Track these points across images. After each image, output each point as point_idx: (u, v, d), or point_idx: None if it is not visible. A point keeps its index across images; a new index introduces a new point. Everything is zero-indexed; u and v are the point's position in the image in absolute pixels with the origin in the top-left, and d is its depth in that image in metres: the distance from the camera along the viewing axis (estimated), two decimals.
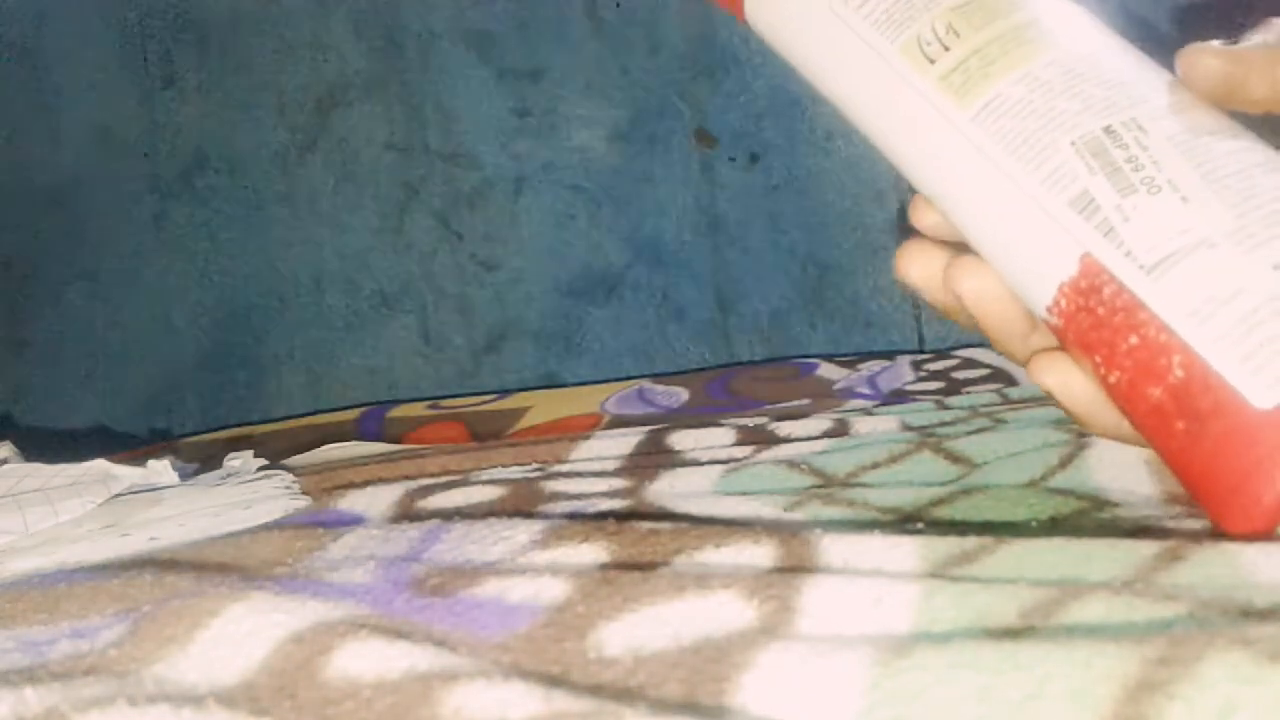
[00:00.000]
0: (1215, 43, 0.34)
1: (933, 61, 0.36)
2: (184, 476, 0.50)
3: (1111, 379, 0.32)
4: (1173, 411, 0.31)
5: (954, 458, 0.45)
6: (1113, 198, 0.32)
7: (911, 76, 0.36)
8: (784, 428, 0.55)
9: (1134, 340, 0.31)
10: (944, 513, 0.38)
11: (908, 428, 0.53)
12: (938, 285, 0.37)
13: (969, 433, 0.49)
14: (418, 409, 0.87)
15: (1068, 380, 0.34)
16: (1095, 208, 0.32)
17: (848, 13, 0.38)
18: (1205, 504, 0.31)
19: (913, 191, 0.38)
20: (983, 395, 0.65)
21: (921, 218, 0.38)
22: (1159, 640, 0.21)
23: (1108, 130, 0.33)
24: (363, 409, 0.89)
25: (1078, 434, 0.45)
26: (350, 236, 1.14)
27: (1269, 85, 0.34)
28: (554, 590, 0.29)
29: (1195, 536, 0.31)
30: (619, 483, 0.44)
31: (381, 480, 0.46)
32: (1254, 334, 0.29)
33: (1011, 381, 0.72)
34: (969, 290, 0.36)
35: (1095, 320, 0.32)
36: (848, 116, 0.39)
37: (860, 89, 0.38)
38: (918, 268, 0.38)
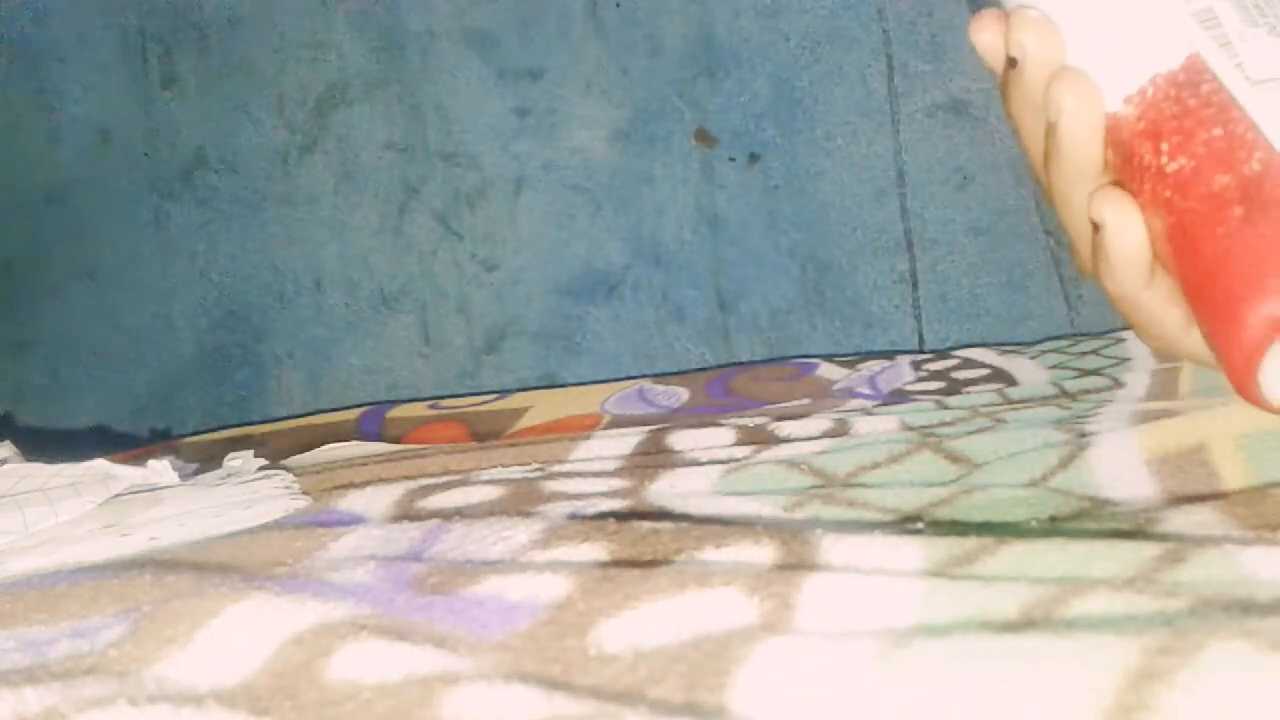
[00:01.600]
0: None
1: None
2: (184, 476, 0.50)
3: (1172, 165, 0.33)
4: (1235, 198, 0.32)
5: (954, 458, 0.45)
6: (1236, 23, 0.33)
7: None
8: (784, 428, 0.55)
9: (1218, 132, 0.32)
10: (944, 513, 0.38)
11: (908, 428, 0.53)
12: (1003, 52, 0.36)
13: (969, 433, 0.49)
14: (418, 409, 0.87)
15: (1126, 220, 0.34)
16: (1216, 23, 0.33)
17: None
18: (1235, 294, 0.31)
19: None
20: (983, 395, 0.65)
21: (981, 30, 0.37)
22: (1160, 631, 0.21)
23: None
24: (363, 409, 0.89)
25: (1078, 434, 0.45)
26: (350, 236, 1.14)
27: None
28: (555, 588, 0.29)
29: (1196, 537, 0.31)
30: (619, 483, 0.44)
31: (381, 480, 0.46)
32: None
33: (1012, 381, 0.72)
34: (1071, 106, 0.34)
35: (1181, 109, 0.33)
36: None
37: None
38: (990, 32, 0.36)
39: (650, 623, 0.26)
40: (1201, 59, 0.33)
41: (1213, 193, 0.32)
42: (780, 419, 0.57)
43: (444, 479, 0.46)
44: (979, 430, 0.49)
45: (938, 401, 0.63)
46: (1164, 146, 0.33)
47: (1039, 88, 0.35)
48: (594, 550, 0.33)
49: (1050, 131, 0.35)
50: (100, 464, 0.48)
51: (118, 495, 0.46)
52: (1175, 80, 0.33)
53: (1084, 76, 0.34)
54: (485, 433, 0.78)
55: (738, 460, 0.47)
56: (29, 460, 0.51)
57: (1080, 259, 0.37)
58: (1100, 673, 0.20)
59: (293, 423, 0.88)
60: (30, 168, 1.18)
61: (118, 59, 1.16)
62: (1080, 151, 0.35)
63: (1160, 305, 0.35)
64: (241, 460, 0.53)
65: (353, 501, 0.43)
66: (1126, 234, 0.34)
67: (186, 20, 1.15)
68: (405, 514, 0.41)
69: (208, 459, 0.56)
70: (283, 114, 1.14)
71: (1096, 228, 0.34)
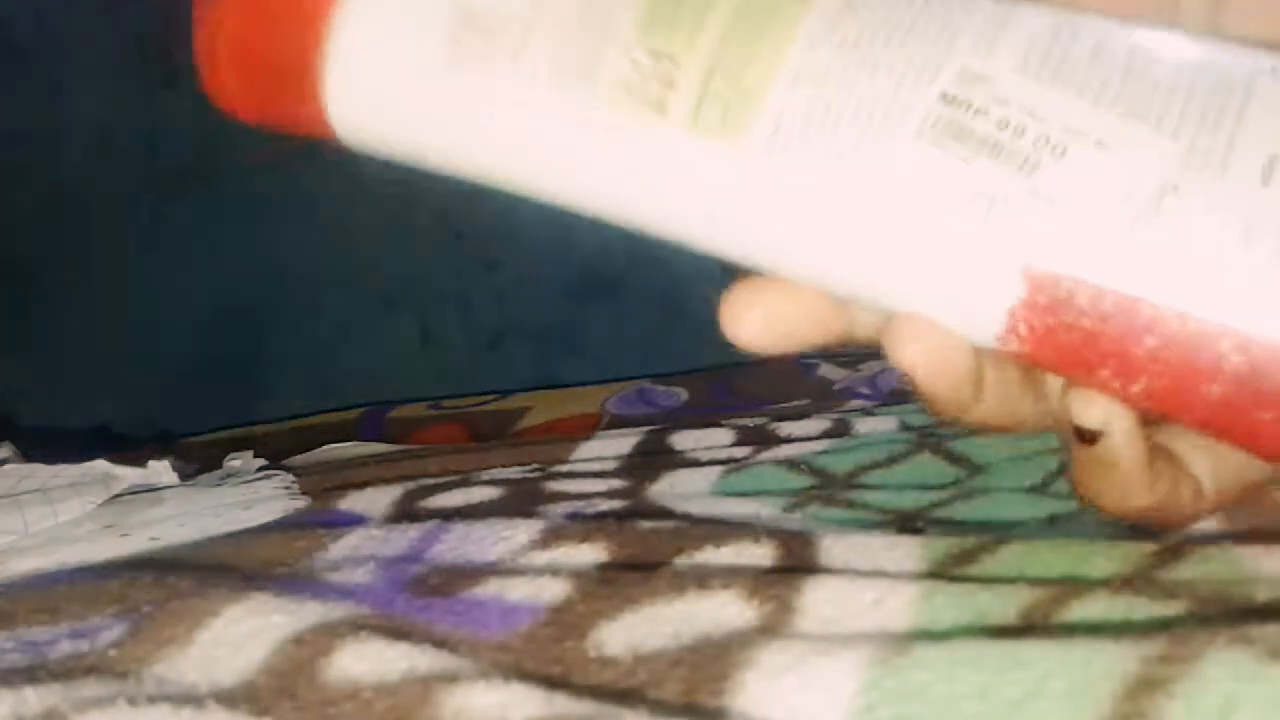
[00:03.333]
0: None
1: (662, 106, 0.26)
2: (184, 476, 0.50)
3: (1135, 389, 0.25)
4: (1249, 403, 0.24)
5: (954, 459, 0.45)
6: (1017, 181, 0.24)
7: (646, 135, 0.26)
8: (784, 428, 0.55)
9: (1151, 342, 0.24)
10: (944, 514, 0.38)
11: (908, 428, 0.53)
12: (797, 326, 0.28)
13: (969, 434, 0.49)
14: (418, 409, 0.87)
15: (1124, 419, 0.26)
16: (1003, 204, 0.24)
17: (504, 82, 0.27)
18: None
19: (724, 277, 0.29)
20: None
21: (745, 312, 0.28)
22: (1159, 638, 0.21)
23: (946, 98, 0.25)
24: (363, 409, 0.89)
25: None
26: (350, 236, 1.14)
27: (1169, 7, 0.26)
28: (554, 589, 0.29)
29: (1195, 536, 0.31)
30: (619, 483, 0.44)
31: (381, 480, 0.46)
32: None
33: None
34: (916, 356, 0.26)
35: (1082, 333, 0.25)
36: (574, 205, 0.29)
37: (576, 176, 0.28)
38: (761, 312, 0.28)
39: (650, 624, 0.26)
40: (1037, 267, 0.24)
41: (1216, 406, 0.24)
42: (780, 419, 0.57)
43: (444, 479, 0.46)
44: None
45: None
46: (1103, 374, 0.25)
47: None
48: (594, 551, 0.33)
49: (921, 392, 0.28)
50: (100, 464, 0.48)
51: (118, 495, 0.46)
52: (1037, 306, 0.25)
53: (916, 324, 0.26)
54: (485, 433, 0.78)
55: (738, 460, 0.47)
56: (29, 460, 0.51)
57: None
58: (1099, 681, 0.20)
59: (293, 423, 0.88)
60: (30, 168, 1.18)
61: (118, 59, 1.16)
62: (954, 386, 0.27)
63: (1173, 493, 0.28)
64: (241, 460, 0.53)
65: (353, 501, 0.43)
66: (1135, 435, 0.26)
67: (186, 20, 1.15)
68: (405, 514, 0.41)
69: (208, 459, 0.56)
70: None
71: (1085, 438, 0.27)
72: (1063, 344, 0.25)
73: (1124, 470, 0.27)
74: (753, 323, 0.28)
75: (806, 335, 0.28)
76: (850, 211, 0.26)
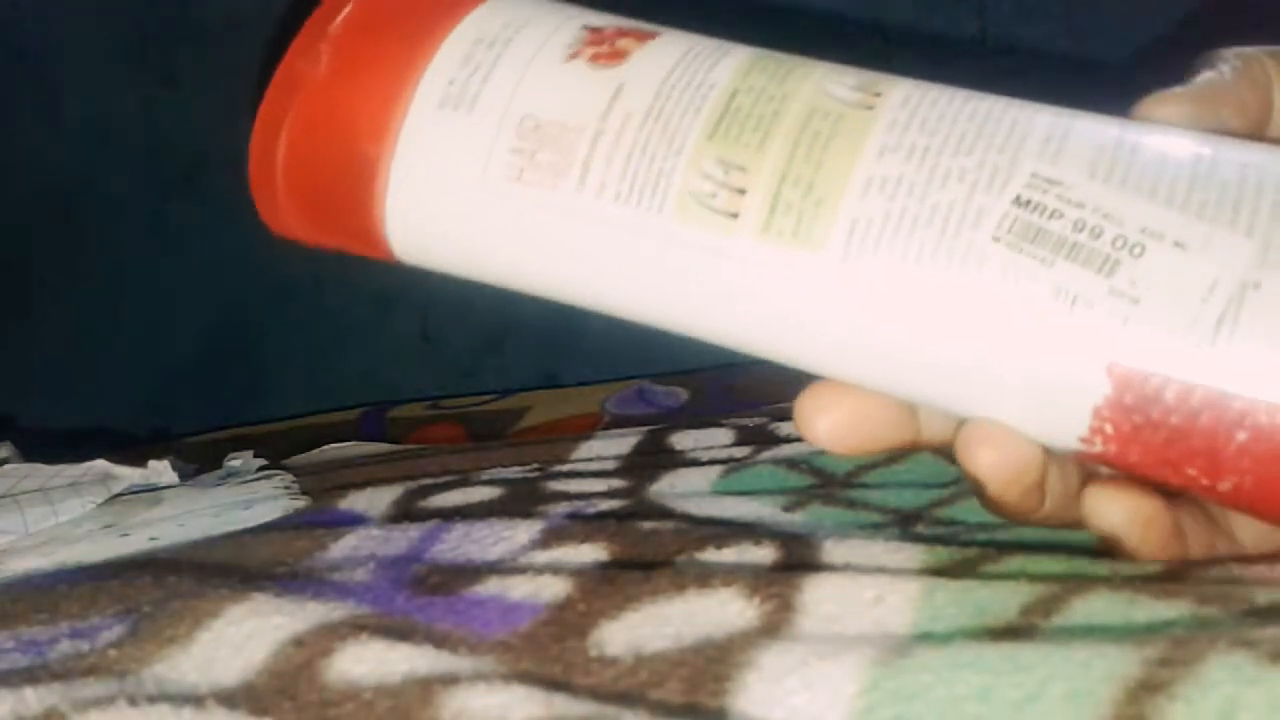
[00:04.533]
0: (1174, 88, 0.29)
1: (734, 215, 0.26)
2: (184, 476, 0.50)
3: (1224, 486, 0.25)
4: None
5: (954, 458, 0.45)
6: (1098, 282, 0.24)
7: (718, 245, 0.26)
8: (784, 427, 0.55)
9: (1242, 437, 0.24)
10: (944, 513, 0.38)
11: None
12: (870, 430, 0.29)
13: None
14: (418, 409, 0.87)
15: (1140, 508, 0.27)
16: (1086, 304, 0.24)
17: (570, 201, 0.27)
18: None
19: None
20: None
21: (821, 417, 0.28)
22: (1160, 641, 0.21)
23: (1020, 202, 0.25)
24: (363, 409, 0.89)
25: None
26: None
27: (1241, 113, 0.29)
28: (555, 588, 0.29)
29: None
30: (619, 483, 0.44)
31: (381, 480, 0.46)
32: None
33: None
34: (991, 465, 0.27)
35: (1171, 431, 0.25)
36: (642, 320, 0.29)
37: (647, 289, 0.28)
38: (832, 415, 0.28)
39: (651, 624, 0.26)
40: (1124, 364, 0.24)
41: None
42: (780, 419, 0.57)
43: (444, 479, 0.46)
44: None
45: None
46: (1191, 473, 0.25)
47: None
48: (594, 550, 0.33)
49: (989, 500, 0.28)
50: (100, 464, 0.48)
51: (118, 495, 0.46)
52: (1122, 405, 0.25)
53: (992, 431, 0.26)
54: (485, 433, 0.78)
55: (738, 460, 0.47)
56: (29, 460, 0.51)
57: None
58: (1100, 683, 0.20)
59: (293, 423, 0.88)
60: (29, 168, 1.18)
61: (118, 59, 1.16)
62: (1026, 504, 0.28)
63: (1205, 546, 0.29)
64: (241, 460, 0.53)
65: (353, 501, 0.43)
66: (1152, 535, 0.27)
67: (186, 20, 1.15)
68: (405, 514, 0.41)
69: (208, 459, 0.56)
70: None
71: (1107, 539, 0.28)
72: (1149, 443, 0.25)
73: (1145, 554, 0.28)
74: (828, 427, 0.29)
75: (880, 440, 0.29)
76: (930, 315, 0.26)
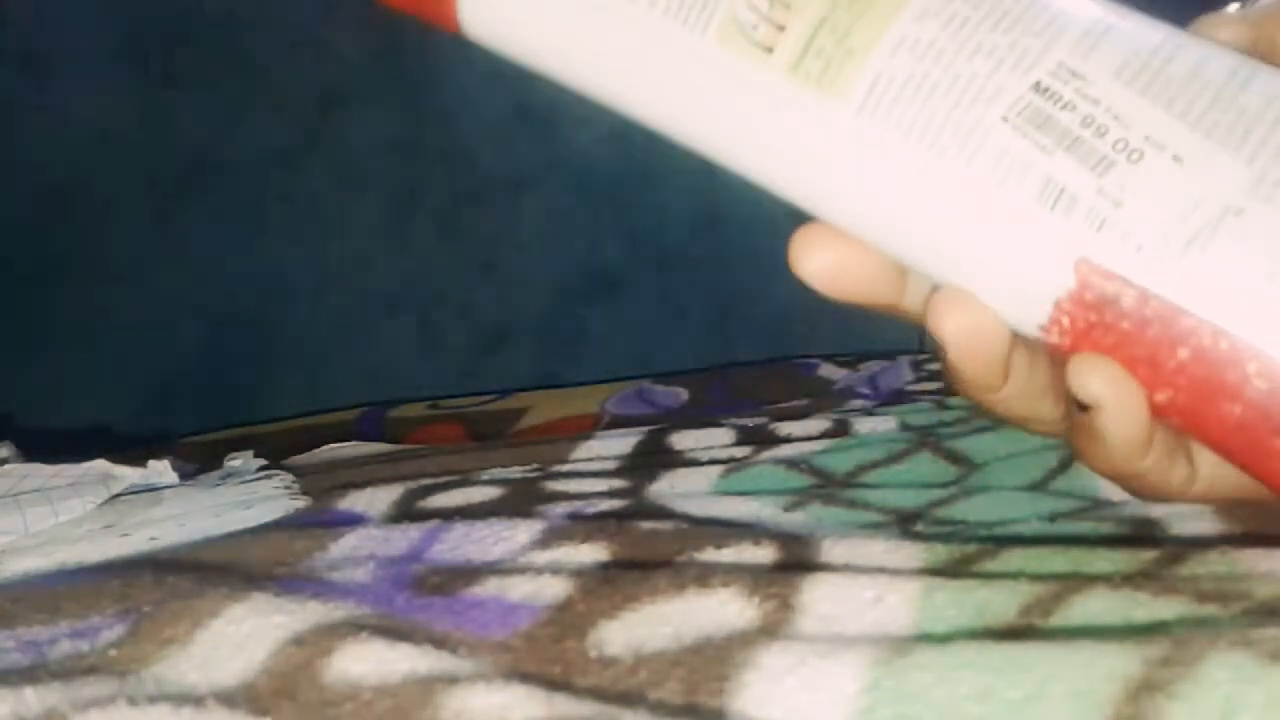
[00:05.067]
0: (1230, 8, 0.29)
1: (769, 49, 0.27)
2: (184, 476, 0.50)
3: (1160, 398, 0.26)
4: (1266, 428, 0.25)
5: (954, 458, 0.45)
6: (1088, 179, 0.25)
7: (749, 74, 0.27)
8: (784, 428, 0.55)
9: (1184, 354, 0.25)
10: (944, 513, 0.38)
11: (907, 427, 0.53)
12: (855, 277, 0.29)
13: (969, 433, 0.49)
14: (418, 409, 0.87)
15: (1127, 398, 0.26)
16: (1071, 198, 0.25)
17: (626, 5, 0.28)
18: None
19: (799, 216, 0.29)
20: None
21: (813, 253, 0.29)
22: (1161, 640, 0.21)
23: (1039, 88, 0.25)
24: (363, 409, 0.89)
25: None
26: (350, 236, 1.14)
27: None
28: (555, 589, 0.29)
29: (1196, 537, 0.31)
30: (619, 483, 0.44)
31: (381, 480, 0.46)
32: None
33: None
34: (955, 329, 0.27)
35: (1120, 335, 0.25)
36: (670, 133, 0.30)
37: (676, 104, 0.29)
38: (823, 255, 0.29)
39: (650, 624, 0.26)
40: (1092, 261, 0.25)
41: (1235, 425, 0.25)
42: (780, 419, 0.57)
43: (444, 479, 0.46)
44: (979, 430, 0.49)
45: (937, 401, 0.63)
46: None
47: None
48: (594, 551, 0.33)
49: (950, 365, 0.28)
50: (100, 464, 0.48)
51: (118, 495, 0.46)
52: (1082, 300, 0.25)
53: (961, 298, 0.27)
54: (485, 433, 0.78)
55: (738, 460, 0.47)
56: (29, 460, 0.51)
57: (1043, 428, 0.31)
58: (1100, 683, 0.20)
59: (293, 423, 0.88)
60: (30, 168, 1.18)
61: (118, 59, 1.16)
62: (985, 378, 0.28)
63: (1162, 469, 0.29)
64: (241, 460, 0.53)
65: (353, 501, 0.43)
66: (1128, 413, 0.27)
67: (186, 20, 1.15)
68: (405, 514, 0.41)
69: (208, 459, 0.56)
70: (283, 114, 1.14)
71: (1081, 406, 0.27)
72: (1100, 343, 0.26)
73: (1116, 441, 0.27)
74: (818, 266, 0.29)
75: (863, 290, 0.29)
76: (925, 182, 0.27)
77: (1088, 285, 0.25)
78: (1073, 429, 0.29)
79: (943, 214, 0.27)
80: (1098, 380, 0.26)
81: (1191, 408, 0.25)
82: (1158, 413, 0.26)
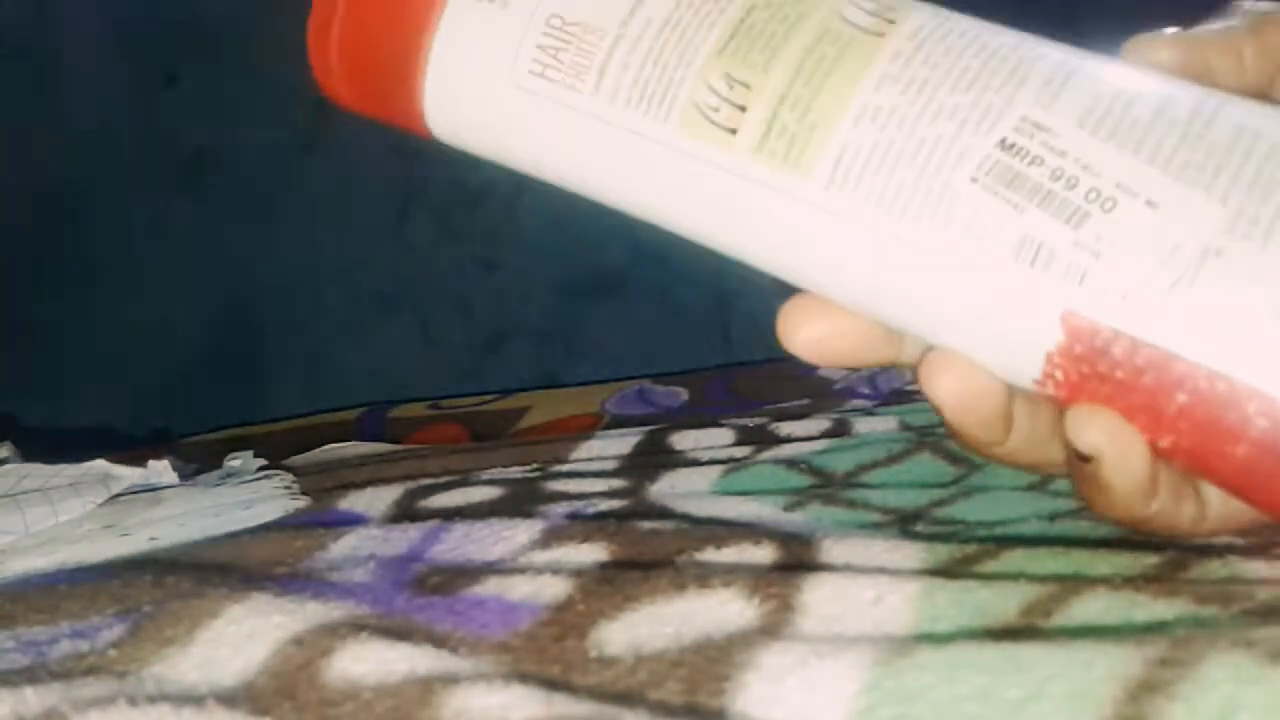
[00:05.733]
0: (1167, 30, 0.29)
1: (733, 131, 0.27)
2: (184, 476, 0.50)
3: (1163, 444, 0.26)
4: (1272, 465, 0.24)
5: (954, 458, 0.45)
6: (1064, 232, 0.25)
7: (715, 158, 0.27)
8: (784, 428, 0.55)
9: (1181, 399, 0.25)
10: (944, 513, 0.38)
11: (908, 427, 0.53)
12: (847, 346, 0.29)
13: None
14: (418, 409, 0.87)
15: (1127, 447, 0.26)
16: (1049, 253, 0.25)
17: (586, 102, 0.28)
18: None
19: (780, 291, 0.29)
20: None
21: (800, 328, 0.29)
22: (1160, 641, 0.21)
23: (1004, 145, 0.25)
24: (363, 409, 0.89)
25: None
26: (350, 236, 1.14)
27: (1234, 68, 0.28)
28: (555, 589, 0.29)
29: (1195, 546, 0.31)
30: (619, 483, 0.44)
31: (381, 480, 0.46)
32: None
33: None
34: (948, 392, 0.27)
35: (1115, 385, 0.25)
36: (643, 218, 0.30)
37: (646, 192, 0.29)
38: (811, 328, 0.29)
39: (650, 624, 0.26)
40: (1078, 314, 0.25)
41: (1241, 467, 0.25)
42: (780, 419, 0.57)
43: (444, 479, 0.46)
44: None
45: None
46: (1135, 426, 0.26)
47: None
48: (594, 551, 0.33)
49: (950, 426, 0.28)
50: (100, 464, 0.48)
51: (118, 495, 0.46)
52: (1073, 354, 0.25)
53: (951, 360, 0.27)
54: (485, 433, 0.78)
55: (738, 460, 0.47)
56: (29, 460, 0.51)
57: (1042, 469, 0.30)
58: (1100, 683, 0.20)
59: (293, 423, 0.88)
60: (30, 168, 1.18)
61: (118, 59, 1.16)
62: (986, 434, 0.28)
63: (1169, 512, 0.28)
64: (241, 460, 0.53)
65: (353, 501, 0.43)
66: (1129, 463, 0.26)
67: (186, 20, 1.15)
68: (405, 514, 0.41)
69: (208, 459, 0.56)
70: (283, 114, 1.14)
71: (1082, 457, 0.27)
72: (1096, 394, 0.26)
73: (1120, 490, 0.27)
74: (807, 339, 0.29)
75: (857, 356, 0.29)
76: (901, 249, 0.26)
77: (1077, 338, 0.25)
78: (1075, 479, 0.28)
79: (924, 279, 0.27)
80: (1095, 431, 0.26)
81: (1195, 451, 0.25)
82: (1162, 457, 0.26)
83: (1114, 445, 0.26)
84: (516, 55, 0.29)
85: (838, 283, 0.28)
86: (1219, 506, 0.29)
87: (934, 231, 0.26)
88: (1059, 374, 0.26)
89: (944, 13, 0.28)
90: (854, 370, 0.82)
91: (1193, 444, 0.25)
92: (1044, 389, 0.26)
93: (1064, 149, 0.25)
